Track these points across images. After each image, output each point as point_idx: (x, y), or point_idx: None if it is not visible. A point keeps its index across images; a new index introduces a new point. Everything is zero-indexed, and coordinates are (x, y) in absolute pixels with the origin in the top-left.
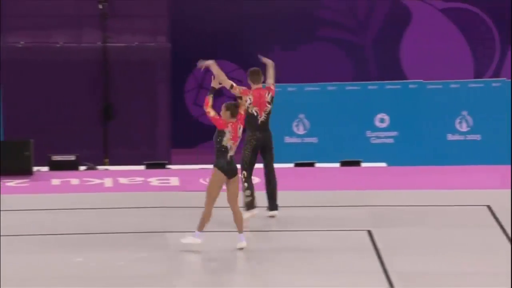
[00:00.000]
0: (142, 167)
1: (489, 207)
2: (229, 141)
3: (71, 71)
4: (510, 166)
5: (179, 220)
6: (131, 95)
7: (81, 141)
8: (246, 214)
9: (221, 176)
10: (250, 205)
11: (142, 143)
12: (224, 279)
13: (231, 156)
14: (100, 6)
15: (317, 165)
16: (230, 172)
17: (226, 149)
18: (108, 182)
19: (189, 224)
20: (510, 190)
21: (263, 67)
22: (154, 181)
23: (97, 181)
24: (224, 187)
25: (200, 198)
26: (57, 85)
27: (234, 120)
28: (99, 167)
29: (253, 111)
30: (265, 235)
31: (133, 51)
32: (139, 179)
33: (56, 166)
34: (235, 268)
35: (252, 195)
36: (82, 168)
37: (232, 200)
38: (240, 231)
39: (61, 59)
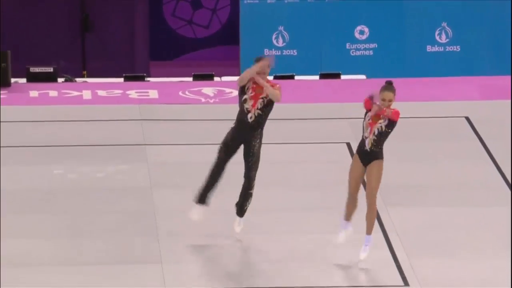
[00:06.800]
0: (120, 80)
1: (467, 118)
2: None
3: None
4: (489, 77)
5: (159, 133)
6: (108, 7)
7: (59, 53)
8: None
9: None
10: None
11: (120, 55)
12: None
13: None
14: None
15: (297, 77)
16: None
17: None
18: (86, 94)
19: (168, 137)
20: (489, 101)
21: None
22: (133, 93)
23: (76, 93)
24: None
25: (179, 110)
26: None
27: None
28: (78, 79)
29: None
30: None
31: None
32: (118, 91)
33: (34, 78)
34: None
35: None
36: (60, 80)
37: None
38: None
39: None
